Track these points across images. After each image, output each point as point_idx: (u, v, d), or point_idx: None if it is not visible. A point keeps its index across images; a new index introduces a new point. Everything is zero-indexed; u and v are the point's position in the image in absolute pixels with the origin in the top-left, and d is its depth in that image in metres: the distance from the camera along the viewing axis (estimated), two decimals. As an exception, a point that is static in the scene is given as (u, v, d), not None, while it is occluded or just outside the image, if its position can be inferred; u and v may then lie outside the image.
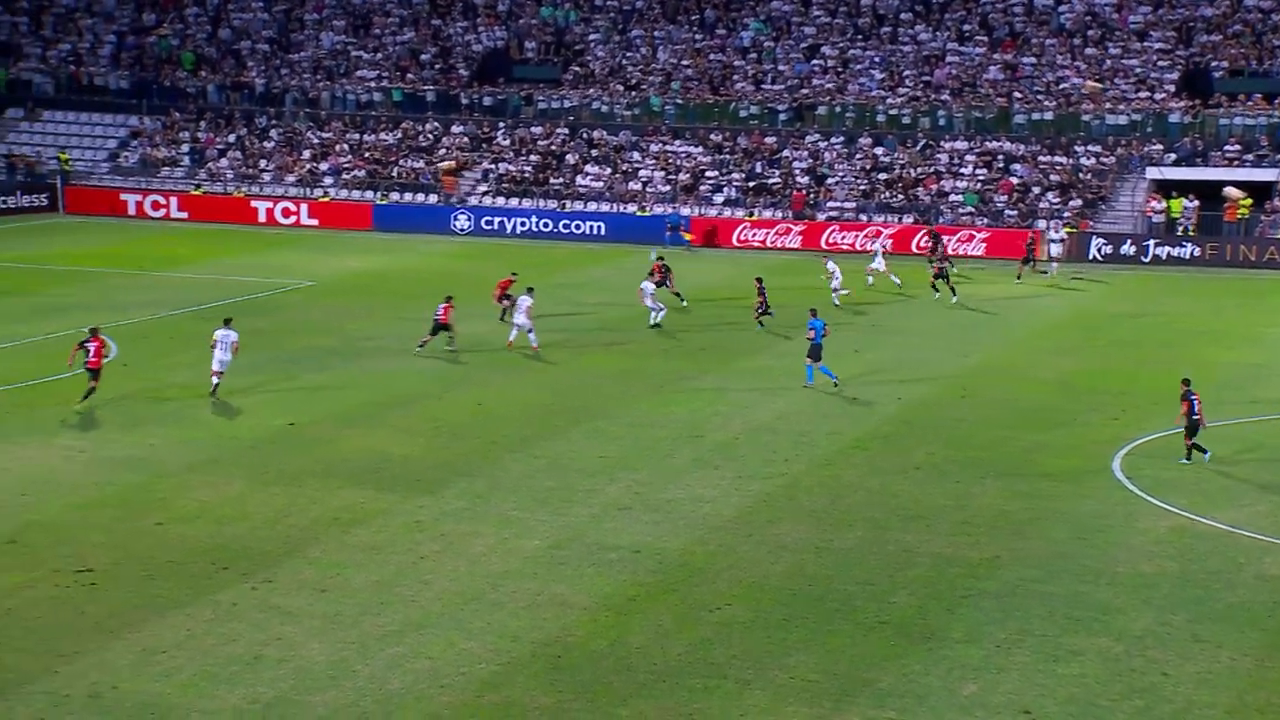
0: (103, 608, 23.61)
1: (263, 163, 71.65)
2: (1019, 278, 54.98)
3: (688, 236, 62.23)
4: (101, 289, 51.30)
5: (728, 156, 68.18)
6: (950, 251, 56.16)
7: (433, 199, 68.34)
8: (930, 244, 56.05)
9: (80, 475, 30.44)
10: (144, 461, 31.42)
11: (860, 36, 72.85)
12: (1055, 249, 56.91)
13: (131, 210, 69.77)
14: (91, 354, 35.23)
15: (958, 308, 49.50)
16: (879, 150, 67.01)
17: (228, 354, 36.57)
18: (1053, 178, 64.07)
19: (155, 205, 69.79)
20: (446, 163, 69.35)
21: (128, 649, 22.09)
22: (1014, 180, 64.28)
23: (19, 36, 79.77)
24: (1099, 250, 59.78)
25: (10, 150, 73.60)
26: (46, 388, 37.71)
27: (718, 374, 39.69)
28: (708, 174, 67.35)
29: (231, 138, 73.37)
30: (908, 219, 63.30)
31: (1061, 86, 67.92)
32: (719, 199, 66.19)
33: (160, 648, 22.13)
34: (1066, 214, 61.74)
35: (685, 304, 48.35)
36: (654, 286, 46.44)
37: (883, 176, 65.70)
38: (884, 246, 55.55)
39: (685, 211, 64.56)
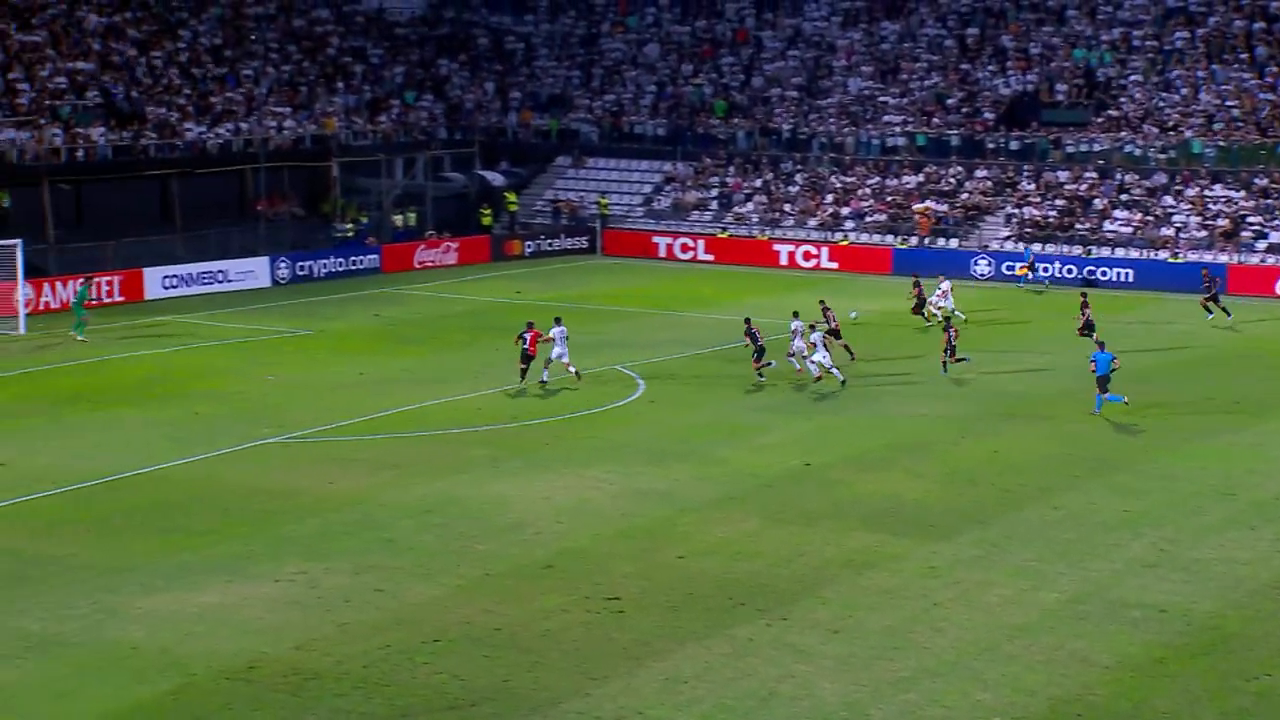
0: (629, 635, 24.64)
1: (786, 207, 73.22)
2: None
3: (1021, 271, 61.23)
4: (633, 327, 53.65)
5: (1274, 202, 64.31)
6: None
7: (954, 243, 67.88)
8: (1207, 287, 53.79)
9: (609, 506, 31.93)
10: (667, 495, 32.62)
11: None
12: None
13: (662, 252, 72.71)
14: (528, 343, 42.29)
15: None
16: None
17: (564, 347, 42.61)
18: None
19: (684, 248, 72.48)
20: (924, 204, 69.06)
21: (652, 677, 22.95)
22: None
23: (570, 90, 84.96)
24: None
25: (557, 195, 78.44)
26: (581, 420, 39.83)
27: (1255, 428, 37.44)
28: (1249, 220, 63.76)
29: (758, 182, 75.34)
30: None
31: None
32: (1261, 245, 62.54)
33: (682, 677, 22.87)
34: None
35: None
36: (815, 338, 43.02)
37: None
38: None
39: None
